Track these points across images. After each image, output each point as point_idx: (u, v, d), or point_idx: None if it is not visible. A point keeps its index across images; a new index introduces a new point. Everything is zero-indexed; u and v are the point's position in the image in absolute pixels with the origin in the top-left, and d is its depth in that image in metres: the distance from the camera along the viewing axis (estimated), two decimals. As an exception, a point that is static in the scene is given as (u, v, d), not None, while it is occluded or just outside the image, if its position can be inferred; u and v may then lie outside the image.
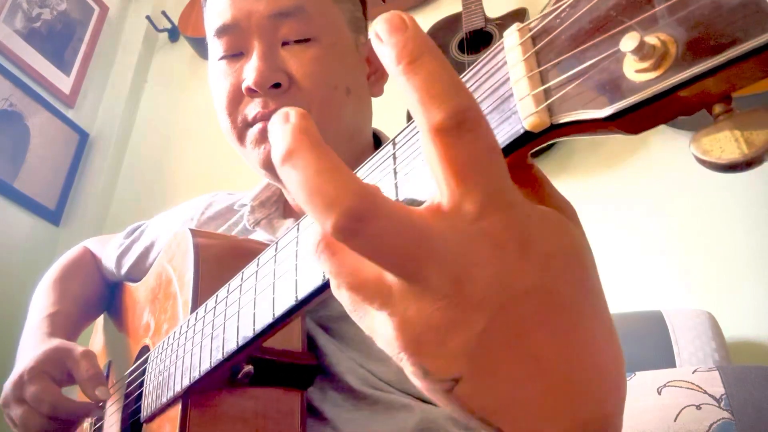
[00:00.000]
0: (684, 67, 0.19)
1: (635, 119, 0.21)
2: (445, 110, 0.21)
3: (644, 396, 0.85)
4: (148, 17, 2.36)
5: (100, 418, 0.77)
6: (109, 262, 0.91)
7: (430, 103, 0.21)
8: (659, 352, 1.00)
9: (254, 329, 0.43)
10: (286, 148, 0.22)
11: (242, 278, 0.47)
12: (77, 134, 2.11)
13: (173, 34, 2.39)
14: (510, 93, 0.24)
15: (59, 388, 0.67)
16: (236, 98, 0.65)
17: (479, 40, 1.60)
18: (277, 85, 0.63)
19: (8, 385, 0.68)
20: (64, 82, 2.12)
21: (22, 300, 1.80)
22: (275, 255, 0.41)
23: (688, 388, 0.84)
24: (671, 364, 0.98)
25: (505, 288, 0.22)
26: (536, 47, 0.24)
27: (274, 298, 0.40)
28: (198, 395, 0.54)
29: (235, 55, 0.65)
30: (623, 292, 1.27)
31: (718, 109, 0.20)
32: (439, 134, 0.21)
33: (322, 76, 0.64)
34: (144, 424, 0.63)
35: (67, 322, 0.80)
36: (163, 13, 2.35)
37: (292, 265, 0.37)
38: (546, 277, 0.23)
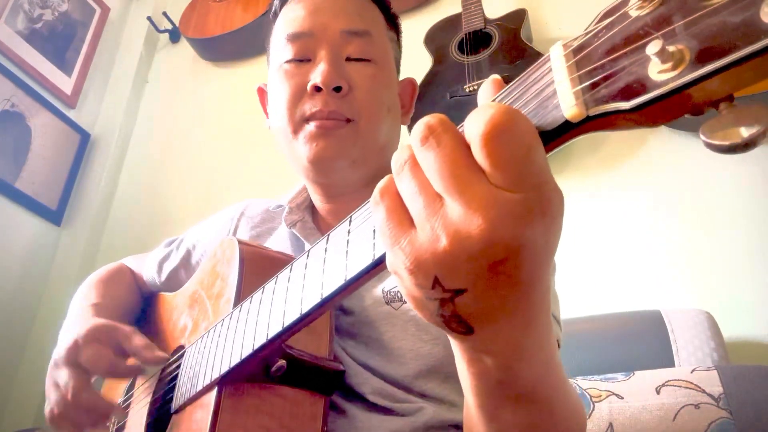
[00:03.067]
0: (697, 67, 0.25)
1: (655, 111, 0.27)
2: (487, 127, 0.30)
3: (643, 395, 0.86)
4: (149, 18, 2.36)
5: (125, 416, 0.78)
6: (150, 269, 0.95)
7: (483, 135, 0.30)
8: (658, 351, 1.00)
9: (301, 310, 0.45)
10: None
11: (291, 269, 0.50)
12: (78, 134, 2.12)
13: (174, 35, 2.40)
14: (554, 92, 0.30)
15: (113, 355, 0.70)
16: (298, 96, 0.73)
17: (479, 41, 1.60)
18: (338, 89, 0.72)
19: (62, 349, 0.69)
20: (65, 83, 2.13)
21: (23, 300, 1.81)
22: (326, 246, 0.45)
23: (686, 388, 0.84)
24: (670, 363, 0.98)
25: (522, 237, 0.29)
26: (576, 58, 0.30)
27: (323, 282, 0.43)
28: (231, 384, 0.56)
29: (302, 60, 0.74)
30: (622, 291, 1.27)
31: (722, 104, 0.26)
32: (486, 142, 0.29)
33: (375, 91, 0.75)
34: (173, 415, 0.64)
35: (111, 316, 0.82)
36: (164, 14, 2.36)
37: (343, 252, 0.42)
38: (547, 234, 0.31)
